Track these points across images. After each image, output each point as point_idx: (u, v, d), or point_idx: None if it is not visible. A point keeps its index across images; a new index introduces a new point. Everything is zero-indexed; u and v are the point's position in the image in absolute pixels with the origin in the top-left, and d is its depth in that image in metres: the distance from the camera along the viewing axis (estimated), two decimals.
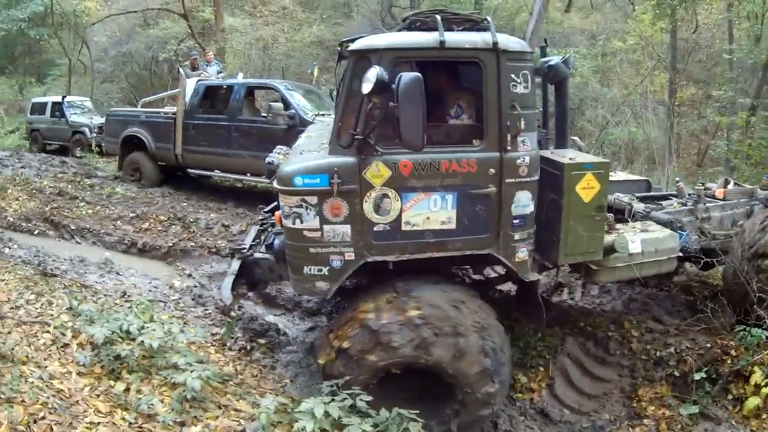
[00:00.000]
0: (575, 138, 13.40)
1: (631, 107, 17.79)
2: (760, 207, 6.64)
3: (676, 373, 5.99)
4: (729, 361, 5.83)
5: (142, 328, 5.24)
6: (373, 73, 4.12)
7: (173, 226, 10.24)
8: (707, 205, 6.68)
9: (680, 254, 5.96)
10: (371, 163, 4.50)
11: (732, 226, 6.67)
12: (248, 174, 10.95)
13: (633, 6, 20.43)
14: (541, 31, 17.20)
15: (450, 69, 5.55)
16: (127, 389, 4.72)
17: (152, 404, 4.50)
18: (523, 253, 4.87)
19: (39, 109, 20.36)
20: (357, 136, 4.42)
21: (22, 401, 4.33)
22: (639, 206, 6.53)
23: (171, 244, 9.50)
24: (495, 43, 4.49)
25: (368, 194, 4.55)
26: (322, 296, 5.28)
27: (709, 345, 6.10)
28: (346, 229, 4.61)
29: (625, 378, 6.22)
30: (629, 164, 15.60)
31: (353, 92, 4.61)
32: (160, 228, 10.27)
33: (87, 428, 4.22)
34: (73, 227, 10.27)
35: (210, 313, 7.15)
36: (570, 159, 4.96)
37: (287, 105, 10.46)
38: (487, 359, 4.64)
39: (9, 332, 5.82)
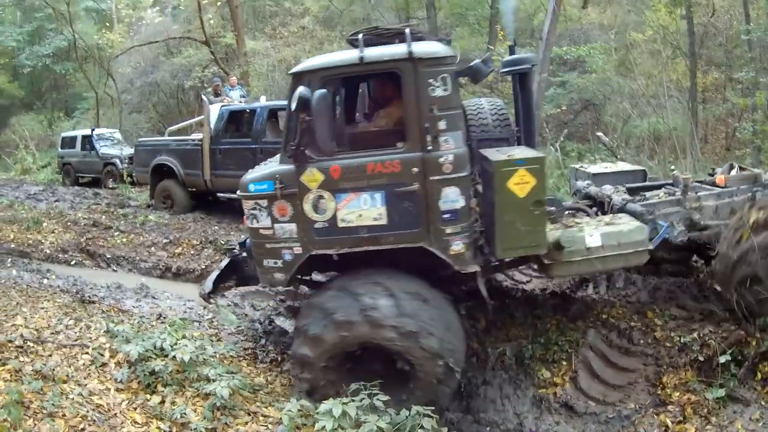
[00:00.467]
0: (600, 134, 13.38)
1: (653, 98, 17.66)
2: (763, 192, 6.37)
3: (701, 358, 6.00)
4: (754, 343, 5.82)
5: (175, 344, 5.62)
6: (296, 93, 4.87)
7: (205, 250, 10.58)
8: (699, 194, 6.53)
9: (650, 247, 5.82)
10: (306, 169, 5.17)
11: (730, 214, 6.30)
12: None
13: None
14: (560, 29, 17.30)
15: (374, 80, 6.11)
16: (162, 401, 5.11)
17: (185, 414, 4.86)
18: (458, 246, 5.20)
19: (69, 142, 20.86)
20: (292, 147, 5.12)
21: (63, 415, 4.75)
22: (618, 198, 6.55)
23: (204, 267, 9.82)
24: (410, 53, 4.99)
25: (306, 196, 5.22)
26: (280, 285, 5.95)
27: (733, 328, 6.07)
28: (293, 227, 5.34)
29: (649, 366, 6.26)
30: (654, 155, 15.49)
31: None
32: (193, 252, 10.61)
33: None
34: (108, 256, 10.68)
35: (243, 329, 7.42)
36: (506, 156, 5.21)
37: None
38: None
39: (50, 355, 6.26)
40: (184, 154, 12.79)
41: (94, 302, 8.10)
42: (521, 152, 5.37)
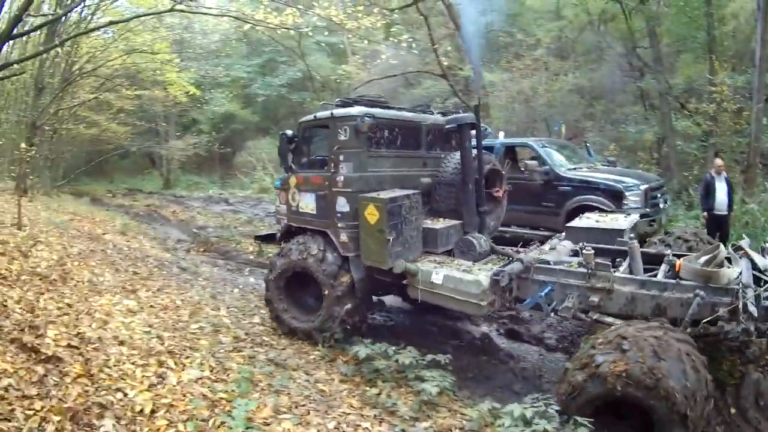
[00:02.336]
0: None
1: None
2: (703, 299, 5.35)
3: None
4: None
5: (397, 350, 6.74)
6: (282, 135, 8.69)
7: None
8: (614, 275, 5.98)
9: (484, 302, 6.18)
10: (291, 176, 8.50)
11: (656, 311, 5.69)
12: (511, 226, 11.52)
13: None
14: None
15: (324, 129, 8.19)
16: (379, 393, 6.17)
17: (396, 404, 5.86)
18: (344, 237, 7.61)
19: None
20: (285, 164, 8.74)
21: (288, 394, 5.94)
22: (529, 256, 6.78)
23: None
24: (332, 114, 7.85)
25: (289, 191, 8.48)
26: (281, 239, 8.87)
27: None
28: (285, 208, 8.74)
29: None
30: None
31: None
32: None
33: (339, 415, 5.62)
34: None
35: (465, 345, 8.27)
36: (369, 195, 7.21)
37: (542, 162, 11.27)
38: None
39: (283, 348, 7.46)
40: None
41: None
42: (382, 194, 7.21)
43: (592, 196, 10.34)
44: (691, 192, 15.02)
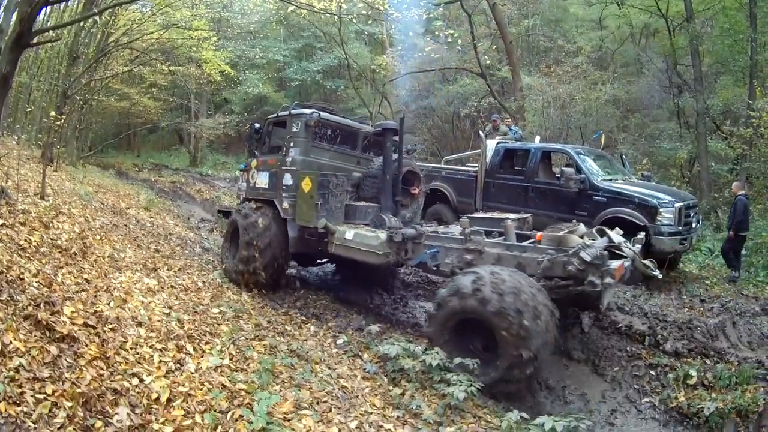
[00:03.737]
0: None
1: None
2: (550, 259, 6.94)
3: None
4: None
5: (426, 350, 6.58)
6: (251, 126, 11.37)
7: None
8: (486, 240, 7.71)
9: (381, 252, 8.23)
10: (252, 160, 10.92)
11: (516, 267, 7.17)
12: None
13: None
14: None
15: (282, 124, 10.51)
16: (403, 394, 6.02)
17: (420, 407, 5.67)
18: (285, 204, 9.76)
19: None
20: (250, 149, 11.49)
21: (310, 388, 5.79)
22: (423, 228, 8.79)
23: None
24: (290, 111, 10.15)
25: (252, 171, 10.81)
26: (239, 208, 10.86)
27: None
28: (245, 185, 11.14)
29: None
30: None
31: None
32: None
33: (361, 414, 5.44)
34: None
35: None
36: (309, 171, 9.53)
37: (578, 170, 11.15)
38: None
39: (305, 340, 7.30)
40: (459, 182, 13.67)
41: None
42: (316, 171, 9.46)
43: (626, 209, 10.21)
44: (720, 213, 15.08)
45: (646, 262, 7.61)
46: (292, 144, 9.81)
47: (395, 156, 9.39)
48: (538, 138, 14.56)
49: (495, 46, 24.74)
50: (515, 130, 15.51)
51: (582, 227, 7.95)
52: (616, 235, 7.85)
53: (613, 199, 10.43)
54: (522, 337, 5.96)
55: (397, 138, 9.47)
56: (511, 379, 6.16)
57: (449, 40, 19.76)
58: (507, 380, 6.18)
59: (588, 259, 6.53)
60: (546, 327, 6.17)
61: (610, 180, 10.98)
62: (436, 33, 21.95)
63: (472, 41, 21.11)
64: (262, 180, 10.43)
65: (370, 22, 23.15)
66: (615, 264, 6.67)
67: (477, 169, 12.97)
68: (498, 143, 13.21)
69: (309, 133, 9.79)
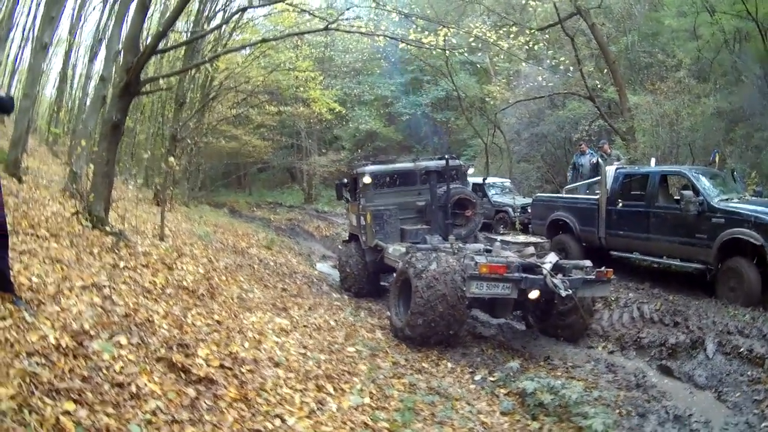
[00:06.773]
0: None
1: None
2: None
3: None
4: None
5: (564, 385, 6.63)
6: (338, 183, 14.50)
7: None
8: (467, 247, 9.98)
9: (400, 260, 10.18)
10: (348, 205, 14.36)
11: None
12: (664, 257, 11.59)
13: None
14: None
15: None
16: (541, 428, 6.01)
17: None
18: (363, 237, 12.52)
19: None
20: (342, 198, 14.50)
21: (452, 425, 5.79)
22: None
23: None
24: (356, 171, 13.41)
25: (348, 214, 14.69)
26: None
27: None
28: (348, 223, 15.13)
29: None
30: None
31: None
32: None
33: None
34: None
35: (619, 380, 7.68)
36: None
37: (696, 191, 10.88)
38: None
39: (443, 377, 7.27)
40: (581, 211, 13.63)
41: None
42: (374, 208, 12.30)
43: (744, 230, 9.74)
44: None
45: (556, 281, 8.31)
46: (362, 195, 12.62)
47: (444, 185, 11.88)
48: (653, 161, 14.11)
49: (598, 67, 24.33)
50: (616, 155, 15.21)
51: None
52: (552, 256, 9.37)
53: (731, 219, 10.01)
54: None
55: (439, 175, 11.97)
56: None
57: (552, 63, 19.54)
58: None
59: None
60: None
61: (726, 200, 10.54)
62: (540, 59, 21.79)
63: (578, 64, 20.90)
64: (353, 220, 13.47)
65: (476, 54, 23.15)
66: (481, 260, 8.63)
67: (597, 197, 12.86)
68: (616, 169, 12.99)
69: (368, 187, 12.52)
